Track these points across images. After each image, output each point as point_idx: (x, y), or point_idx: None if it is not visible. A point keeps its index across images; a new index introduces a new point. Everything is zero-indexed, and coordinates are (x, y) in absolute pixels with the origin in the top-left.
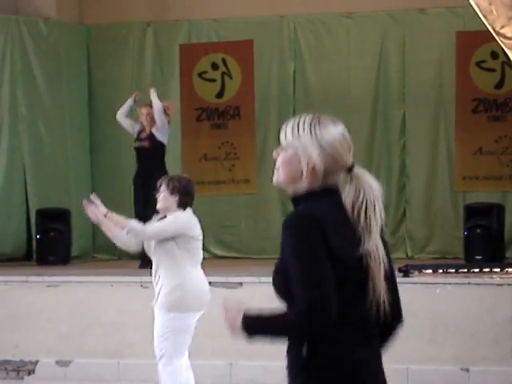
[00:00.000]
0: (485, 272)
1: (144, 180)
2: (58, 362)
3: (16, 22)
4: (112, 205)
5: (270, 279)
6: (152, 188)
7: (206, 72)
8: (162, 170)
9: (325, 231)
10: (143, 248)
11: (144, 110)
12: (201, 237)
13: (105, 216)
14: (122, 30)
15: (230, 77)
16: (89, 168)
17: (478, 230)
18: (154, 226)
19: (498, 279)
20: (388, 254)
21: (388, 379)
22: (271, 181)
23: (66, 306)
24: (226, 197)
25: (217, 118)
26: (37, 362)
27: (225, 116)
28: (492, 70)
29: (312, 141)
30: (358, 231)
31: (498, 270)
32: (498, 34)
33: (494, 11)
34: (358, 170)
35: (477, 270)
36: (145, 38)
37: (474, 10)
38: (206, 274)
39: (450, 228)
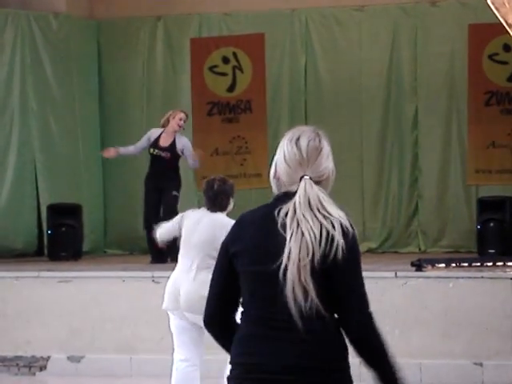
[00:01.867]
0: (498, 266)
1: (158, 183)
2: (69, 358)
3: (26, 16)
4: (123, 198)
5: None
6: (166, 190)
7: (217, 66)
8: (177, 172)
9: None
10: (156, 244)
11: (181, 115)
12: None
13: None
14: (132, 25)
15: (241, 71)
16: (100, 163)
17: (491, 224)
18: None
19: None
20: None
21: None
22: None
23: (78, 302)
24: (238, 191)
25: (228, 112)
26: (48, 357)
27: (236, 110)
28: (504, 63)
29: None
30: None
31: (511, 263)
32: (510, 26)
33: (506, 4)
34: (302, 183)
35: (490, 263)
36: (155, 32)
37: (487, 3)
38: None
39: (462, 222)
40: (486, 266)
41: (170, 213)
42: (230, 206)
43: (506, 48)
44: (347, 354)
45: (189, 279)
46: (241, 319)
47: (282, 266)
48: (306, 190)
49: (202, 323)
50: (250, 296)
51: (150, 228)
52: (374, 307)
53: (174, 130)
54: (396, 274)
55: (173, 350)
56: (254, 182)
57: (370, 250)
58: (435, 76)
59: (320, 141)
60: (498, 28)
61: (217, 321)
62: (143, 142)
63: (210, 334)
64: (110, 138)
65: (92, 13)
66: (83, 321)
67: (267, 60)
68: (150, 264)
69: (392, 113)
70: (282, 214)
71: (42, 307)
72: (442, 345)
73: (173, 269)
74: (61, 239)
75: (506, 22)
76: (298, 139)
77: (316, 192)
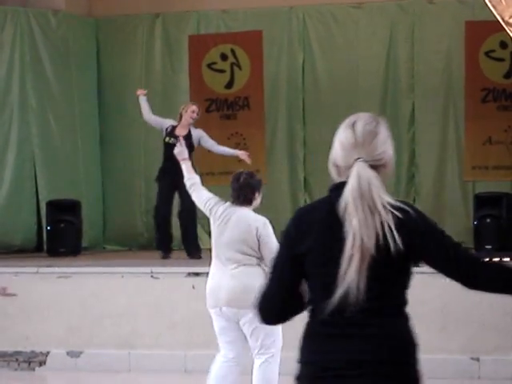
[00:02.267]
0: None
1: (172, 174)
2: (68, 353)
3: (25, 14)
4: (122, 194)
5: None
6: (181, 183)
7: (215, 63)
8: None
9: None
10: (168, 240)
11: (194, 108)
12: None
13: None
14: (130, 22)
15: (240, 67)
16: (98, 159)
17: (488, 220)
18: (195, 196)
19: None
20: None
21: None
22: (280, 171)
23: (77, 297)
24: None
25: (226, 108)
26: (48, 353)
27: (234, 107)
28: (501, 60)
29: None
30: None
31: (507, 259)
32: (507, 23)
33: (503, 1)
34: (356, 165)
35: (486, 259)
36: (154, 30)
37: (483, 0)
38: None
39: (459, 218)
40: None
41: (189, 208)
42: (257, 201)
43: (503, 45)
44: (417, 348)
45: (227, 276)
46: (309, 317)
47: (348, 264)
48: (358, 172)
49: (242, 318)
50: (320, 294)
51: (161, 219)
52: None
53: (188, 123)
54: None
55: (172, 345)
56: None
57: None
58: (432, 73)
59: (377, 125)
60: (494, 25)
61: (275, 315)
62: (158, 121)
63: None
64: (109, 134)
65: (91, 10)
66: (82, 316)
67: (265, 57)
68: (147, 260)
69: (389, 109)
70: (341, 207)
71: (41, 303)
72: (438, 340)
73: (167, 264)
74: (60, 235)
75: (503, 19)
76: (354, 123)
77: (368, 176)
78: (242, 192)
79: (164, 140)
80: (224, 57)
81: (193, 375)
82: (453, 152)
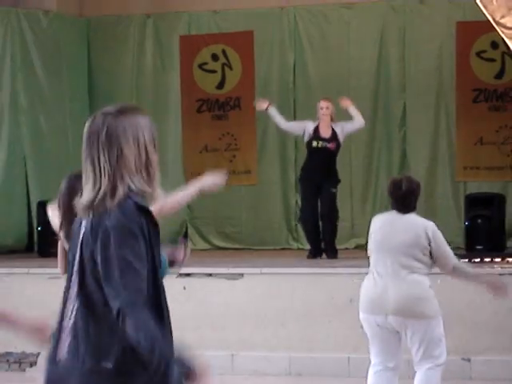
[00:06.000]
0: (486, 262)
1: (316, 178)
2: None
3: (16, 14)
4: None
5: (271, 270)
6: (324, 186)
7: (206, 63)
8: (335, 166)
9: None
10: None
11: (323, 104)
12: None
13: None
14: (122, 22)
15: (231, 68)
16: None
17: (479, 220)
18: None
19: (499, 269)
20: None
21: None
22: (272, 172)
23: None
24: (227, 188)
25: (217, 109)
26: (38, 353)
27: (225, 107)
28: (492, 60)
29: None
30: None
31: (499, 259)
32: (498, 24)
33: (494, 1)
34: None
35: (478, 259)
36: (145, 30)
37: (474, 0)
38: (207, 265)
39: (450, 218)
40: (474, 262)
41: (330, 211)
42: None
43: (494, 45)
44: None
45: (396, 283)
46: None
47: None
48: None
49: (410, 326)
50: None
51: (307, 223)
52: None
53: (327, 122)
54: None
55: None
56: (243, 179)
57: (358, 247)
58: (423, 73)
59: None
60: (485, 25)
61: None
62: (300, 126)
63: None
64: None
65: (82, 10)
66: None
67: (256, 57)
68: (307, 258)
69: (380, 110)
70: None
71: (32, 304)
72: None
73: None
74: (51, 236)
75: (494, 20)
76: None
77: None
78: (407, 201)
79: (311, 144)
80: (215, 57)
81: None
82: (444, 152)
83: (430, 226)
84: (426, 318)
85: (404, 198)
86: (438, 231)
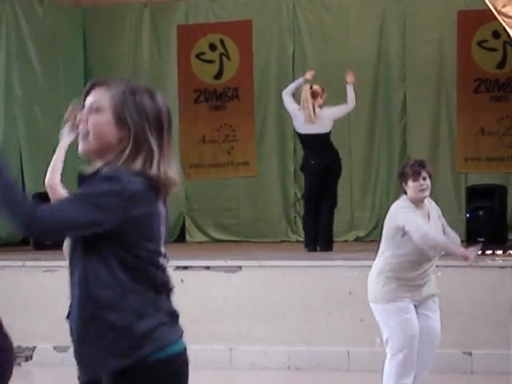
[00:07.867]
0: (487, 254)
1: (323, 171)
2: (55, 348)
3: (11, 3)
4: None
5: (270, 263)
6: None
7: (203, 53)
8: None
9: None
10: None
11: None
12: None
13: None
14: (118, 12)
15: (229, 58)
16: None
17: (481, 212)
18: None
19: (501, 261)
20: None
21: None
22: (270, 163)
23: (64, 291)
24: (225, 180)
25: (215, 99)
26: (34, 347)
27: (223, 98)
28: (494, 50)
29: None
30: None
31: (500, 252)
32: (499, 13)
33: None
34: None
35: (479, 252)
36: (142, 19)
37: None
38: (205, 257)
39: (451, 210)
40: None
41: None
42: None
43: (496, 35)
44: None
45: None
46: None
47: None
48: None
49: None
50: None
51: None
52: (363, 297)
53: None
54: None
55: None
56: (241, 171)
57: (358, 239)
58: (424, 63)
59: None
60: (487, 15)
61: None
62: (290, 108)
63: None
64: None
65: (77, 0)
66: None
67: (254, 47)
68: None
69: (380, 100)
70: None
71: (27, 297)
72: None
73: None
74: None
75: (496, 9)
76: None
77: None
78: None
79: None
80: (213, 47)
81: None
82: (445, 143)
83: (394, 205)
84: (370, 301)
85: None
86: (401, 208)
